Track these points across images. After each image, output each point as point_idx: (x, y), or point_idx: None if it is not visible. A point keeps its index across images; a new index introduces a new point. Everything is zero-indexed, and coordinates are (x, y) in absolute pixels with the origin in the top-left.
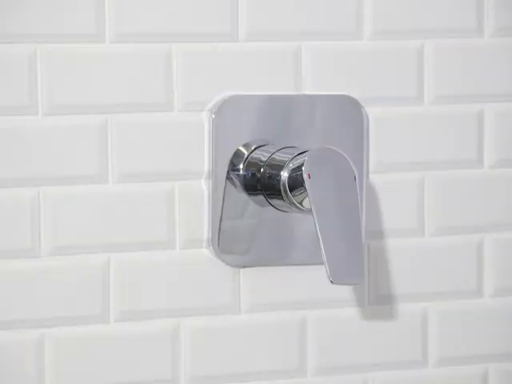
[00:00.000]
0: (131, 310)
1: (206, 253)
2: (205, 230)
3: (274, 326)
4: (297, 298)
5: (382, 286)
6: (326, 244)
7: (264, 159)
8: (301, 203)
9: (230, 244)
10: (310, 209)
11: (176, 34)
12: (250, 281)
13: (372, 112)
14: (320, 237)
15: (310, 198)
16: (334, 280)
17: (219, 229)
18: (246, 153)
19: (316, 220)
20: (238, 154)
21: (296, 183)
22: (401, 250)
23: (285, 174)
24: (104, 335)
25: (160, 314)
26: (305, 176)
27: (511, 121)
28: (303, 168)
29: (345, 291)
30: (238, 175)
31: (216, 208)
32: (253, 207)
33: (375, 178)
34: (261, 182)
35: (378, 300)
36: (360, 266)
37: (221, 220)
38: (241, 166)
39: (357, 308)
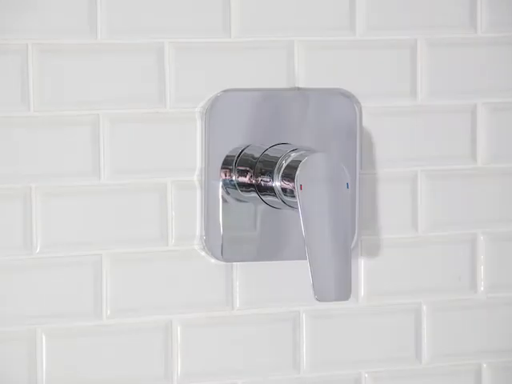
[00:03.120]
0: (124, 307)
1: (199, 249)
2: (197, 226)
3: (268, 321)
4: (291, 293)
5: (376, 282)
6: (313, 260)
7: (257, 156)
8: (293, 204)
9: (222, 240)
10: (300, 219)
11: (168, 29)
12: (243, 277)
13: (365, 107)
14: (308, 252)
15: (301, 211)
16: (320, 298)
17: (211, 225)
18: (238, 149)
19: (305, 234)
20: (230, 150)
21: (289, 186)
22: (394, 246)
23: (278, 174)
24: (97, 331)
25: (153, 310)
26: (297, 187)
27: (504, 116)
28: (295, 178)
29: None
30: (230, 172)
31: (208, 204)
32: (245, 203)
33: (368, 174)
34: (253, 178)
35: (371, 296)
36: (346, 282)
37: (213, 216)
38: (233, 163)
39: (350, 304)
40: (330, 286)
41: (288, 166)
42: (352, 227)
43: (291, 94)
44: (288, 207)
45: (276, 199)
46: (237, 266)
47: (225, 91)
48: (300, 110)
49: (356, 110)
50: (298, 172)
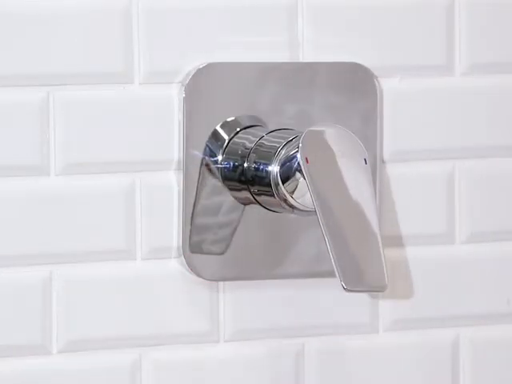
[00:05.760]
0: (79, 339)
1: (176, 264)
2: (174, 236)
3: (263, 358)
4: (292, 322)
5: (400, 307)
6: (333, 242)
7: (250, 145)
8: (296, 198)
9: (206, 253)
10: (312, 202)
11: None
12: (231, 299)
13: (388, 84)
14: (326, 234)
15: (311, 188)
16: (348, 286)
17: (192, 234)
18: (226, 137)
19: (320, 214)
20: (216, 139)
21: (291, 173)
22: (424, 262)
23: (276, 166)
24: (45, 369)
25: (116, 343)
26: (301, 161)
27: None
28: (299, 151)
29: (353, 314)
30: (216, 165)
31: (188, 207)
32: (235, 206)
33: (391, 169)
34: (245, 174)
35: (394, 325)
36: (379, 266)
37: (194, 222)
38: (220, 154)
39: (368, 335)
40: (359, 272)
41: (287, 152)
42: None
43: (294, 68)
44: (289, 210)
45: (274, 200)
46: (224, 285)
47: (208, 64)
48: (305, 89)
49: (376, 88)
50: (300, 145)
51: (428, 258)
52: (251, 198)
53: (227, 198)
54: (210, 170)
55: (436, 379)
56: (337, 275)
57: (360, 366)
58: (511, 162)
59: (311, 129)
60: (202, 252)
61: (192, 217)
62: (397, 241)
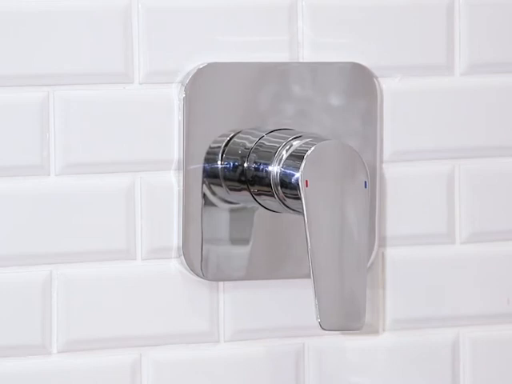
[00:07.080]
0: (79, 339)
1: (176, 264)
2: (174, 236)
3: (263, 358)
4: (292, 322)
5: (401, 307)
6: (319, 278)
7: (250, 145)
8: (296, 206)
9: (206, 252)
10: (304, 224)
11: None
12: (232, 299)
13: (388, 84)
14: (312, 267)
15: (306, 213)
16: (326, 326)
17: (193, 234)
18: (226, 137)
19: (310, 243)
20: (216, 139)
21: (291, 180)
22: (424, 262)
23: (276, 166)
24: (44, 370)
25: (116, 343)
26: (301, 184)
27: None
28: (300, 172)
29: None
30: (216, 165)
31: (188, 207)
32: (236, 206)
33: (391, 169)
34: (245, 174)
35: (395, 325)
36: (359, 305)
37: (195, 222)
38: (220, 154)
39: (368, 335)
40: (338, 311)
41: (290, 157)
42: (370, 238)
43: (294, 68)
44: (289, 210)
45: (274, 200)
46: (224, 285)
47: (208, 64)
48: (305, 89)
49: (376, 88)
50: (303, 164)
51: (428, 257)
52: (251, 198)
53: (227, 199)
54: (210, 170)
55: (436, 379)
56: (316, 312)
57: (360, 366)
58: (511, 162)
59: (316, 148)
60: (203, 253)
61: (195, 216)
62: (397, 241)
